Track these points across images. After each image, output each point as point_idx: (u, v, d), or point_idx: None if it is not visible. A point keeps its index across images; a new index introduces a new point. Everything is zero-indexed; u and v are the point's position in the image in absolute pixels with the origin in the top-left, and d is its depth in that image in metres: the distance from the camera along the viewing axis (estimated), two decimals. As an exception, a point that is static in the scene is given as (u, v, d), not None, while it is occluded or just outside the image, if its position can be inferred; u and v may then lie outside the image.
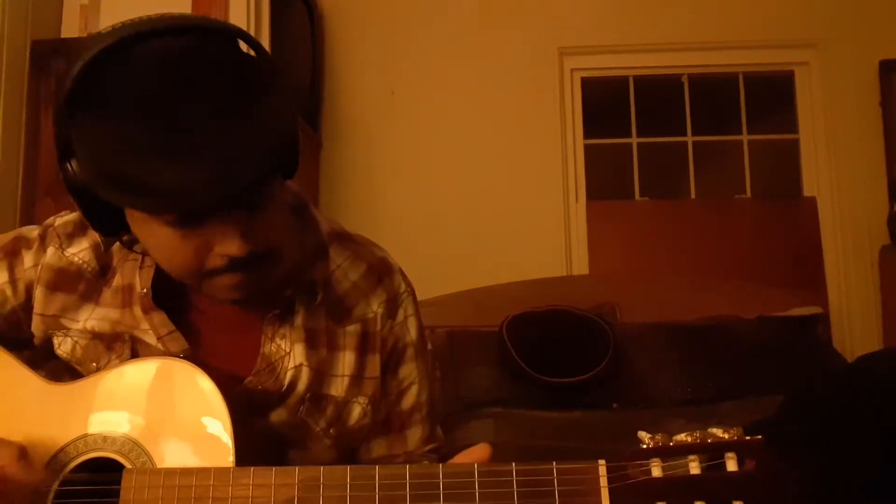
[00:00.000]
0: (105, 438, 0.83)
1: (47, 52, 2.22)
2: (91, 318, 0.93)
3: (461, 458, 0.75)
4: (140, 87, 0.74)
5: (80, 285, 0.94)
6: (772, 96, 3.22)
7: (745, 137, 3.20)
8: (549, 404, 2.30)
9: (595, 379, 2.34)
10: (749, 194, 3.15)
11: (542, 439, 2.06)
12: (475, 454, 0.75)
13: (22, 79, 2.19)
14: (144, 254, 0.93)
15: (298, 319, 0.92)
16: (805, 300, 2.69)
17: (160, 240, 0.81)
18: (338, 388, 0.93)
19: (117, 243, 0.94)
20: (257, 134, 0.76)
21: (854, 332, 2.94)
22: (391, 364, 0.98)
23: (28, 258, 0.95)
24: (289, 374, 0.91)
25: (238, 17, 2.28)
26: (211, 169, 0.73)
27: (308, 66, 2.95)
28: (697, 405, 2.29)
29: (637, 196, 3.17)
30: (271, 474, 0.74)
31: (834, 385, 1.74)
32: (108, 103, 0.75)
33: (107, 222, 0.85)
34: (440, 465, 0.72)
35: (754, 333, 2.52)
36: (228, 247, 0.78)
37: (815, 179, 3.10)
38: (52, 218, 0.99)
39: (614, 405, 2.33)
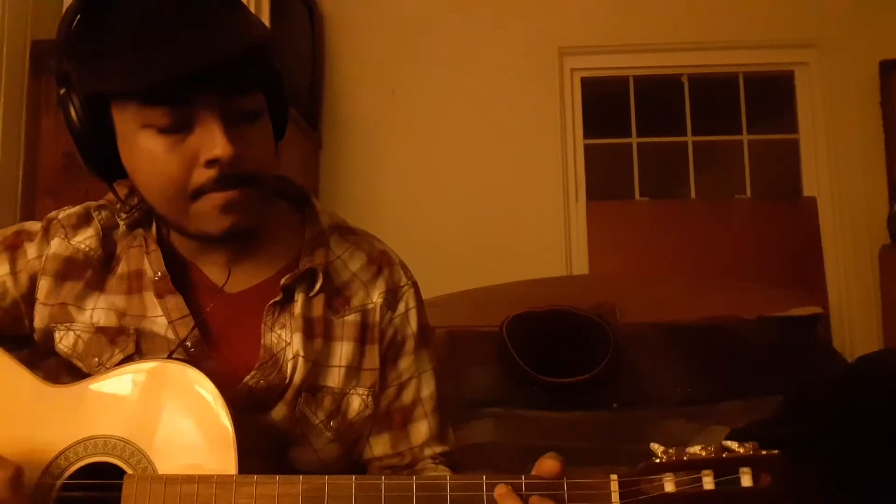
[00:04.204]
0: (105, 442, 0.81)
1: (47, 52, 2.21)
2: (97, 308, 0.92)
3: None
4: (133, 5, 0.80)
5: (88, 272, 0.93)
6: (772, 96, 3.22)
7: (745, 137, 3.19)
8: (549, 404, 2.30)
9: (595, 379, 2.34)
10: (749, 194, 3.15)
11: (542, 439, 2.05)
12: (544, 467, 0.72)
13: (22, 79, 2.19)
14: (147, 238, 0.93)
15: (297, 308, 0.91)
16: (805, 300, 2.69)
17: (148, 154, 0.81)
18: (334, 378, 0.92)
19: (120, 229, 0.95)
20: (237, 27, 0.81)
21: (854, 332, 2.94)
22: (390, 356, 0.97)
23: (31, 249, 0.94)
24: (289, 365, 0.90)
25: (238, 17, 2.28)
26: (190, 46, 0.77)
27: (308, 66, 2.95)
28: (697, 405, 2.29)
29: (637, 196, 3.17)
30: (275, 483, 0.73)
31: (834, 385, 1.73)
32: (102, 19, 0.80)
33: (102, 163, 0.86)
34: (447, 477, 0.71)
35: (754, 333, 2.52)
36: (213, 148, 0.79)
37: (815, 179, 3.10)
38: (54, 212, 0.98)
39: (614, 405, 2.33)
